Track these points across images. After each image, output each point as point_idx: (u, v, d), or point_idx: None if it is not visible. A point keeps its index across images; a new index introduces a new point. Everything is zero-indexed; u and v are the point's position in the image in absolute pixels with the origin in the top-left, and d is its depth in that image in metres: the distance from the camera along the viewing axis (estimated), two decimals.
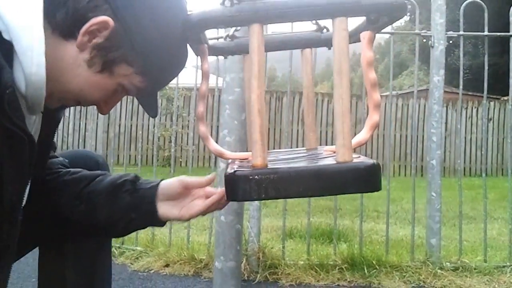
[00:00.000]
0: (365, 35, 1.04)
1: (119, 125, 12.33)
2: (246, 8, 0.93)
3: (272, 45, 1.34)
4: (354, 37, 1.16)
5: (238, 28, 1.29)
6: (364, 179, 0.93)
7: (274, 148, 13.03)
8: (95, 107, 1.20)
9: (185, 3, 1.16)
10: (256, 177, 0.91)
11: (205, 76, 1.11)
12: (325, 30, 1.31)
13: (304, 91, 1.40)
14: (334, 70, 0.92)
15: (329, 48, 1.14)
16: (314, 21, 1.25)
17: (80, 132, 11.91)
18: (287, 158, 1.15)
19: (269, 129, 13.00)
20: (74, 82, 1.10)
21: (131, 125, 12.60)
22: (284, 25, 3.37)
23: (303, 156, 1.23)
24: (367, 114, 1.06)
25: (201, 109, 1.13)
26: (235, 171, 0.93)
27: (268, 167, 0.94)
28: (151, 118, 12.01)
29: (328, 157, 1.08)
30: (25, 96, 1.05)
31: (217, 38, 1.33)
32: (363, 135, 1.08)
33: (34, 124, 1.18)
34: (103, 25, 1.04)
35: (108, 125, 10.85)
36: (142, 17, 1.08)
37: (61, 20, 1.04)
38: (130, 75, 1.13)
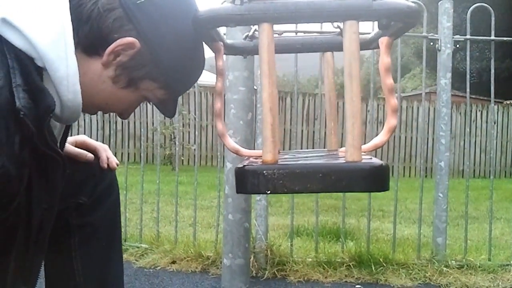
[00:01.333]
0: (383, 41, 1.04)
1: (116, 122, 12.26)
2: (256, 7, 0.93)
3: (294, 48, 1.36)
4: (373, 43, 1.18)
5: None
6: (372, 179, 0.93)
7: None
8: None
9: None
10: (264, 172, 0.92)
11: (220, 73, 1.13)
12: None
13: (326, 95, 1.42)
14: (345, 73, 0.92)
15: None
16: (336, 25, 1.25)
17: (72, 130, 11.87)
18: (302, 157, 1.16)
19: None
20: (98, 96, 1.14)
21: (128, 122, 12.52)
22: (292, 24, 3.41)
23: (320, 156, 1.24)
24: (381, 115, 1.08)
25: (219, 105, 1.14)
26: (244, 165, 0.95)
27: (278, 163, 0.95)
28: (148, 115, 12.08)
29: (341, 157, 1.09)
30: (60, 118, 1.09)
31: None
32: (380, 138, 1.11)
33: (58, 136, 1.23)
34: (129, 46, 1.07)
35: (103, 121, 10.78)
36: (165, 36, 1.10)
37: (84, 37, 1.06)
38: (154, 90, 1.17)
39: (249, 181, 0.94)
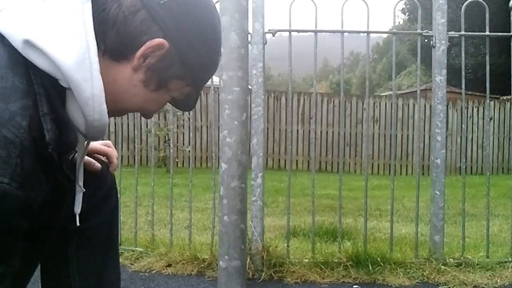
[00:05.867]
0: None
1: (108, 124, 12.25)
2: None
3: None
4: None
5: None
6: None
7: (273, 148, 13.04)
8: None
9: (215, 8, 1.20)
10: None
11: None
12: None
13: None
14: None
15: None
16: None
17: None
18: None
19: (267, 128, 13.00)
20: (132, 101, 1.15)
21: (122, 124, 12.50)
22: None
23: None
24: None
25: None
26: None
27: None
28: (143, 118, 11.97)
29: None
30: (86, 135, 1.10)
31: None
32: None
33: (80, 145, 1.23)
34: (158, 47, 1.07)
35: None
36: (190, 33, 1.11)
37: (112, 43, 1.06)
38: (181, 88, 1.18)
39: None
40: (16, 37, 0.97)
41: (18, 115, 0.90)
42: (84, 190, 1.34)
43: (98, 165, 1.52)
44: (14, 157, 0.87)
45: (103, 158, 1.58)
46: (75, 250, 1.48)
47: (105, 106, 1.05)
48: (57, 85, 0.99)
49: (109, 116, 1.17)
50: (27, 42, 0.96)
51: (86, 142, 1.26)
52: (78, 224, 1.32)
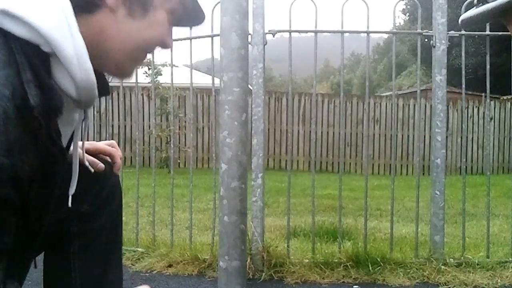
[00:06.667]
0: None
1: (112, 125, 12.26)
2: None
3: None
4: None
5: None
6: None
7: (274, 148, 13.04)
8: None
9: None
10: None
11: None
12: None
13: None
14: None
15: None
16: None
17: None
18: None
19: (269, 129, 13.01)
20: (131, 40, 1.13)
21: (125, 126, 12.52)
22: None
23: None
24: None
25: None
26: None
27: None
28: (145, 118, 12.13)
29: None
30: (79, 101, 1.08)
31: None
32: None
33: (75, 122, 1.22)
34: None
35: (100, 125, 10.76)
36: None
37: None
38: None
39: None
40: None
41: (0, 85, 0.89)
42: (92, 170, 1.34)
43: (101, 165, 1.51)
44: None
45: (107, 159, 1.57)
46: (77, 251, 1.47)
47: (90, 64, 1.03)
48: (39, 52, 0.98)
49: (115, 72, 1.18)
50: (3, 12, 0.95)
51: (83, 119, 1.24)
52: (70, 205, 1.28)
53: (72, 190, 1.29)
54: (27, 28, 0.96)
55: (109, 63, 1.14)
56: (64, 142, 1.17)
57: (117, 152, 1.60)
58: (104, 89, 1.21)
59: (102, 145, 1.58)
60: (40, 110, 0.93)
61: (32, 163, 0.95)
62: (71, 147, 1.29)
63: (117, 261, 1.63)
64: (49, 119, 0.97)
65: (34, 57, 0.96)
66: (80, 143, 1.31)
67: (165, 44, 1.21)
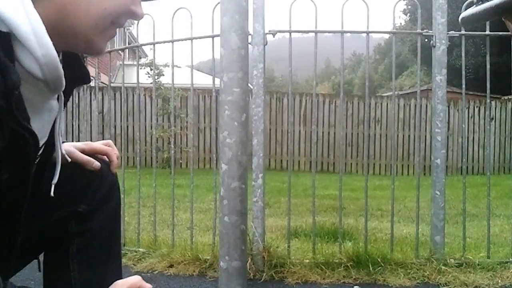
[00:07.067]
0: None
1: (115, 126, 12.27)
2: None
3: None
4: None
5: None
6: None
7: (275, 148, 13.05)
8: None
9: None
10: None
11: None
12: None
13: None
14: None
15: None
16: None
17: (73, 134, 11.82)
18: None
19: (270, 129, 13.02)
20: (93, 11, 1.07)
21: (127, 126, 12.54)
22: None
23: None
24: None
25: None
26: None
27: None
28: (147, 119, 12.16)
29: None
30: (45, 80, 1.04)
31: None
32: None
33: (54, 110, 1.18)
34: None
35: (103, 126, 10.77)
36: None
37: None
38: None
39: None
40: None
41: None
42: (69, 159, 1.31)
43: (97, 163, 1.50)
44: None
45: (104, 158, 1.57)
46: (76, 251, 1.47)
47: (48, 39, 0.99)
48: None
49: (86, 49, 1.14)
50: None
51: (58, 102, 1.20)
52: (52, 194, 1.26)
53: (55, 180, 1.27)
54: None
55: (77, 39, 1.09)
56: (45, 131, 1.16)
57: (113, 151, 1.59)
58: (84, 77, 1.19)
59: (98, 144, 1.57)
60: None
61: None
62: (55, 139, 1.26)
63: (117, 260, 1.63)
64: (7, 98, 0.94)
65: None
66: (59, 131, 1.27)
67: (133, 13, 1.15)
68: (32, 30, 0.97)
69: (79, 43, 1.11)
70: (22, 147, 1.02)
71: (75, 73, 1.17)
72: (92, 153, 1.54)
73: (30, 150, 1.05)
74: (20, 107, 0.99)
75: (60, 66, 1.05)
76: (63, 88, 1.12)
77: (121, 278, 1.61)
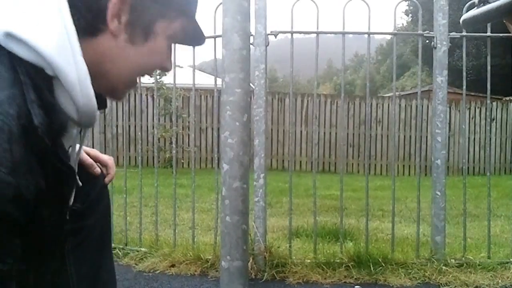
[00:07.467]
0: None
1: (116, 126, 12.28)
2: None
3: None
4: None
5: None
6: None
7: (277, 149, 13.05)
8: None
9: None
10: None
11: None
12: None
13: None
14: None
15: None
16: None
17: None
18: None
19: (272, 130, 13.02)
20: (129, 65, 1.13)
21: (129, 126, 12.55)
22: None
23: None
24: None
25: None
26: None
27: None
28: (149, 119, 12.18)
29: None
30: (79, 123, 1.08)
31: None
32: None
33: (72, 137, 1.21)
34: (121, 1, 1.06)
35: (105, 126, 10.77)
36: None
37: (82, 22, 1.04)
38: (169, 25, 1.16)
39: None
40: None
41: (5, 104, 0.89)
42: (81, 184, 1.35)
43: (98, 169, 1.57)
44: (2, 144, 0.86)
45: (103, 169, 1.64)
46: (72, 249, 1.50)
47: (92, 90, 1.04)
48: (42, 74, 0.98)
49: (107, 93, 1.19)
50: (8, 35, 0.96)
51: (81, 134, 1.25)
52: (67, 217, 1.28)
53: (71, 201, 1.30)
54: (31, 51, 0.96)
55: (105, 85, 1.14)
56: None
57: (114, 166, 1.66)
58: (102, 102, 1.21)
59: (104, 156, 1.63)
60: (44, 129, 0.93)
61: (39, 183, 0.94)
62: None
63: (109, 257, 1.69)
64: (53, 138, 0.98)
65: (38, 79, 0.97)
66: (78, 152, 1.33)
67: (164, 68, 1.22)
68: (78, 80, 1.01)
69: (105, 88, 1.15)
70: (61, 183, 1.07)
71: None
72: (94, 160, 1.59)
73: (69, 184, 1.12)
74: (62, 145, 1.04)
75: (96, 112, 1.09)
76: (90, 127, 1.16)
77: (113, 271, 1.67)
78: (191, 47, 3.13)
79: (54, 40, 0.98)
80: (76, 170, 1.30)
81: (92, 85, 1.07)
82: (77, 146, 1.29)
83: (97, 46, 1.08)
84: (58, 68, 0.98)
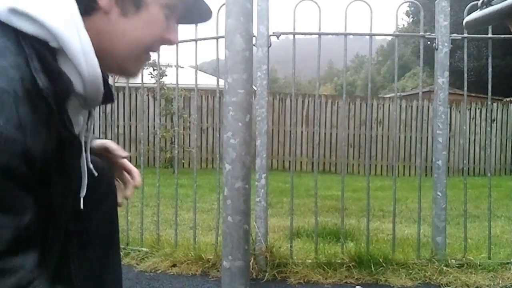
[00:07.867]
0: None
1: (118, 126, 12.29)
2: None
3: None
4: None
5: None
6: None
7: (278, 149, 13.05)
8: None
9: None
10: None
11: None
12: None
13: None
14: None
15: None
16: None
17: None
18: None
19: (272, 130, 13.02)
20: (127, 39, 1.13)
21: (130, 126, 12.56)
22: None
23: None
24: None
25: None
26: None
27: None
28: (150, 119, 12.18)
29: None
30: (84, 96, 1.09)
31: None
32: None
33: (80, 125, 1.20)
34: None
35: (106, 126, 10.75)
36: None
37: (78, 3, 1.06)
38: None
39: None
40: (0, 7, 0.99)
41: (10, 69, 0.91)
42: (96, 173, 1.34)
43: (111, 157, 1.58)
44: (8, 104, 0.87)
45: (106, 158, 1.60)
46: (76, 250, 1.49)
47: (95, 58, 1.05)
48: (47, 46, 1.00)
49: (119, 72, 1.21)
50: (12, 10, 0.97)
51: (88, 117, 1.24)
52: (82, 207, 1.29)
53: (83, 193, 1.30)
54: (35, 25, 0.99)
55: (111, 63, 1.15)
56: None
57: (138, 174, 1.65)
58: (108, 95, 1.21)
59: (127, 162, 1.63)
60: (49, 92, 0.95)
61: (46, 146, 0.95)
62: None
63: (116, 258, 1.66)
64: (59, 102, 0.99)
65: (42, 50, 0.99)
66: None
67: (167, 40, 1.20)
68: (82, 50, 1.03)
69: (112, 66, 1.16)
70: (69, 152, 1.07)
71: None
72: (121, 168, 1.63)
73: (77, 156, 1.12)
74: (67, 114, 1.04)
75: (102, 85, 1.10)
76: (97, 106, 1.17)
77: (120, 272, 1.64)
78: (194, 24, 3.15)
79: (57, 12, 1.01)
80: (89, 159, 1.30)
81: (100, 67, 1.08)
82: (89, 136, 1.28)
83: (93, 25, 1.08)
84: (63, 39, 1.00)
